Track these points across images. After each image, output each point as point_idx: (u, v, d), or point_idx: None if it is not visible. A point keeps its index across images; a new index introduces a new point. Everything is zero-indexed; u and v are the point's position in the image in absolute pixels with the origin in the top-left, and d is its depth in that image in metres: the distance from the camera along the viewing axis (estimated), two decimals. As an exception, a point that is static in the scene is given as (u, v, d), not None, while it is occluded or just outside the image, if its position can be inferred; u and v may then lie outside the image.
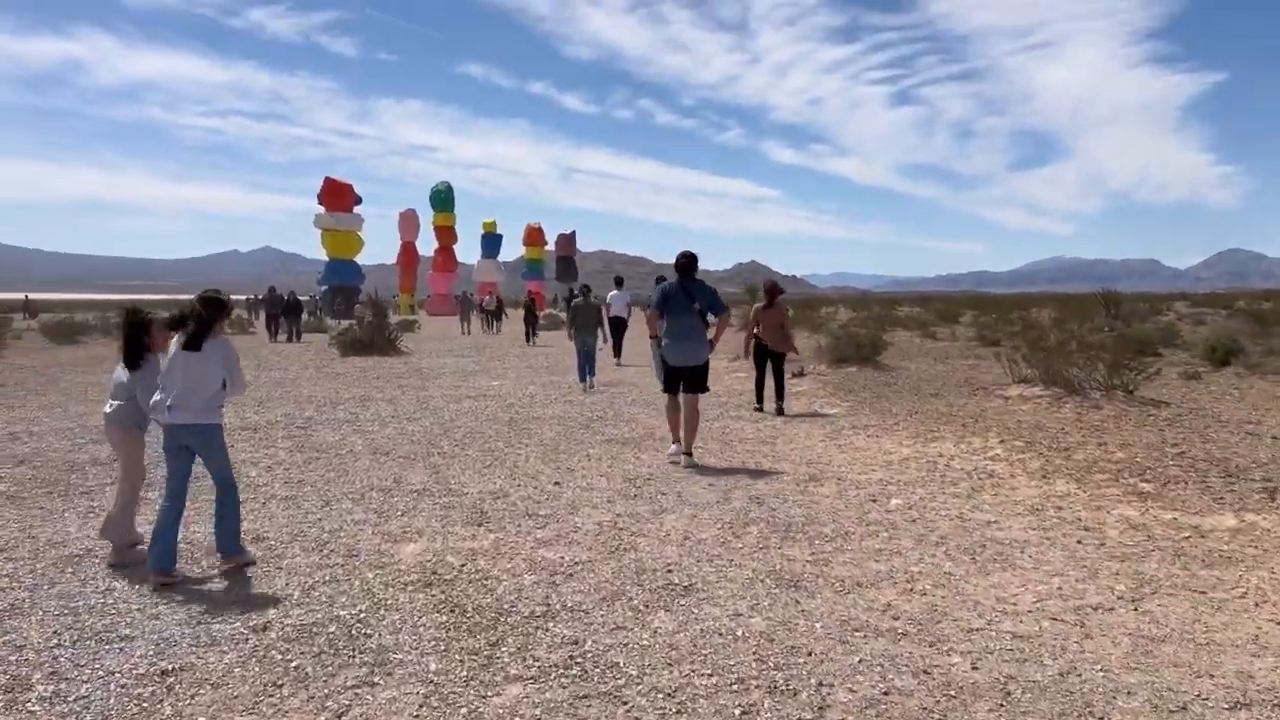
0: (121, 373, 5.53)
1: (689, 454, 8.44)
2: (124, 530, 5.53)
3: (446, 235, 73.27)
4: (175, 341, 5.23)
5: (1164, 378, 12.61)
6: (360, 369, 18.57)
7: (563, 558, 5.48)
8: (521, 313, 33.63)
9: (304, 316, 32.40)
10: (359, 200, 65.96)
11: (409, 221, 72.94)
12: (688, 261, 8.62)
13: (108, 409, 5.59)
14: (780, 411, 11.54)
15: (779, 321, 12.01)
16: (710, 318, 8.73)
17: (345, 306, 58.79)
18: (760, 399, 11.98)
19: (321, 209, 63.83)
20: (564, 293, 58.71)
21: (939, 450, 8.75)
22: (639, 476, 7.80)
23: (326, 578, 5.13)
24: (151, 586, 4.99)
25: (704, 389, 8.62)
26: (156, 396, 5.25)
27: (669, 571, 5.20)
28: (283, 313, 28.61)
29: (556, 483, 7.54)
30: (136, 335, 5.51)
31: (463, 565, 5.35)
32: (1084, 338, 12.95)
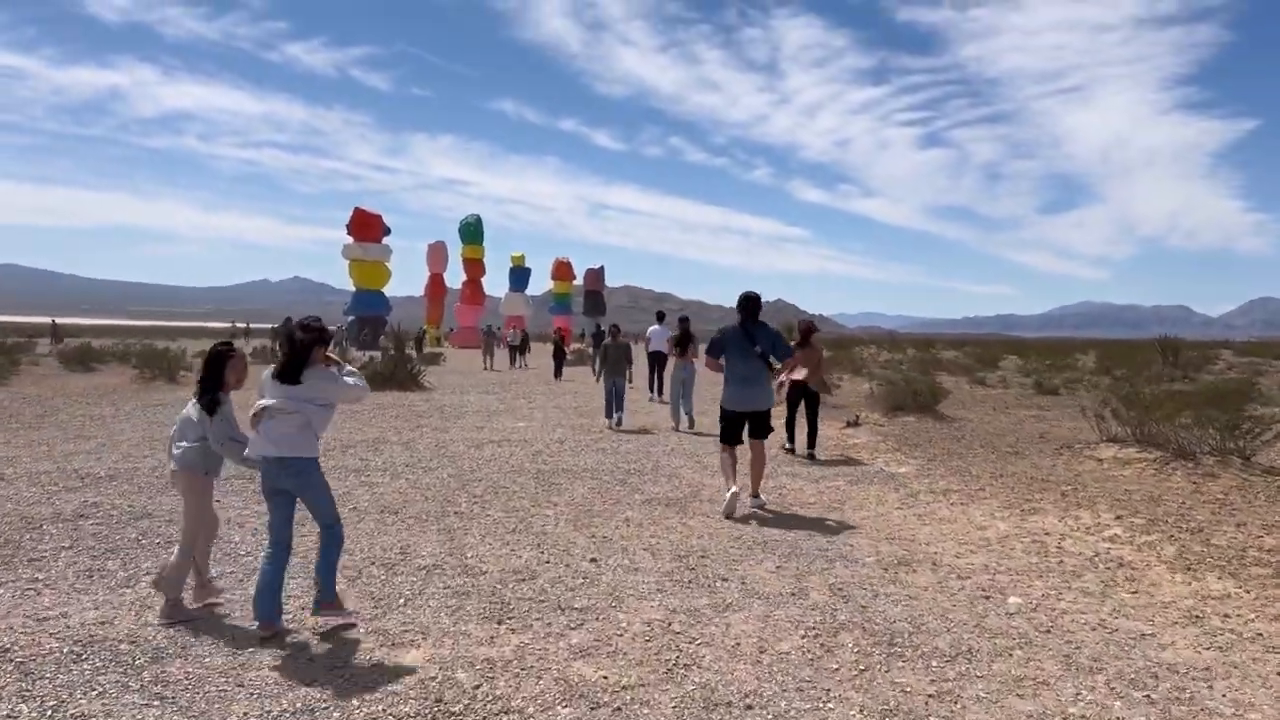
0: (192, 409, 5.03)
1: (756, 496, 8.15)
2: (177, 584, 4.98)
3: (475, 268, 72.65)
4: (269, 371, 4.80)
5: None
6: (378, 405, 17.44)
7: (606, 677, 4.22)
8: (550, 349, 32.65)
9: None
10: (388, 231, 65.49)
11: (438, 253, 72.48)
12: (748, 303, 8.19)
13: (175, 450, 5.04)
14: (812, 457, 11.08)
15: (815, 360, 11.60)
16: (774, 361, 8.21)
17: (371, 338, 58.10)
18: (791, 438, 11.60)
19: (350, 239, 63.40)
20: (590, 328, 57.70)
21: (1042, 526, 7.42)
22: (690, 552, 6.53)
23: (299, 705, 3.90)
24: (258, 638, 4.63)
25: (768, 433, 8.22)
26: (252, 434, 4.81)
27: (749, 707, 3.92)
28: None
29: (593, 559, 6.29)
30: (217, 368, 5.04)
31: (477, 687, 4.10)
32: (1177, 391, 11.56)
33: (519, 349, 35.70)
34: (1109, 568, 6.16)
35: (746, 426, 8.14)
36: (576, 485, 9.14)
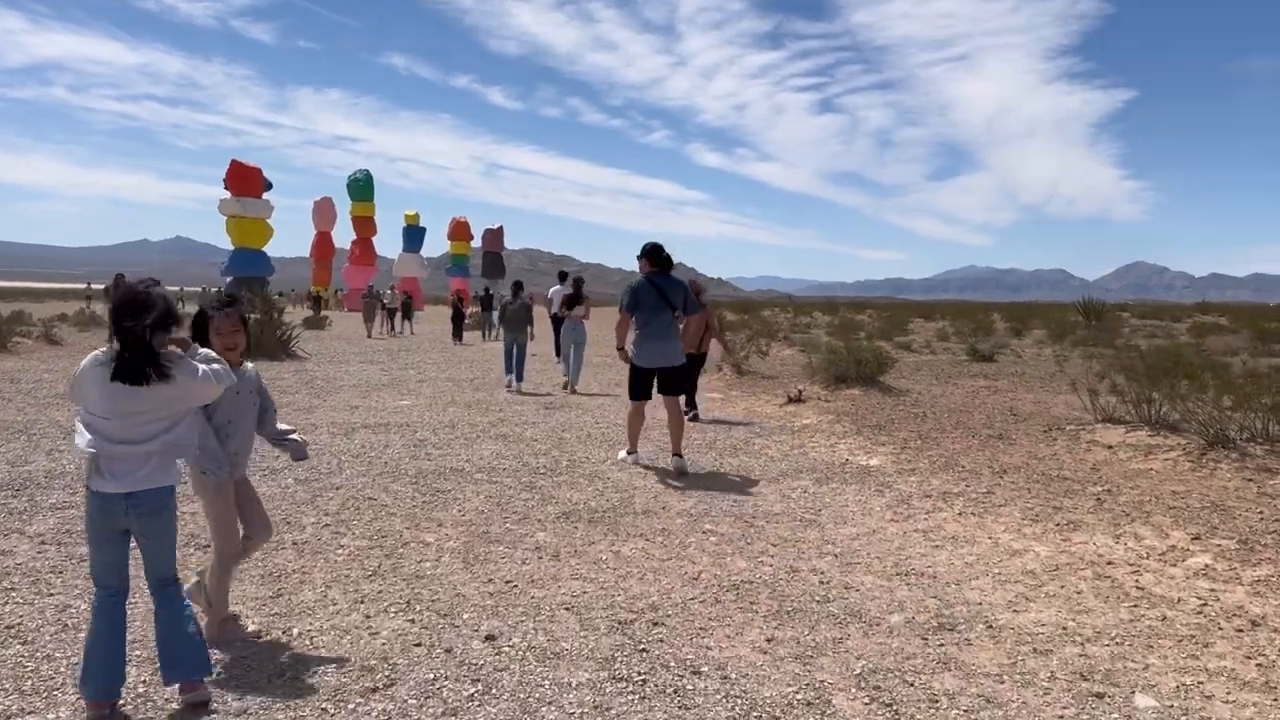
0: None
1: (679, 455, 7.77)
2: (219, 598, 3.97)
3: (365, 226, 68.63)
4: (91, 364, 3.20)
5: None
6: (236, 380, 14.84)
7: None
8: (449, 312, 30.22)
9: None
10: (269, 186, 61.11)
11: (324, 210, 68.22)
12: (658, 253, 7.86)
13: None
14: (694, 418, 10.51)
15: (703, 321, 10.82)
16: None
17: (251, 300, 54.10)
18: (692, 403, 10.70)
19: (228, 194, 58.88)
20: (480, 290, 54.36)
21: (1096, 550, 5.55)
22: (636, 610, 4.43)
23: None
24: None
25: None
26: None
27: None
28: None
29: (490, 635, 4.12)
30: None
31: None
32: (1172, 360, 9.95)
33: (398, 313, 32.55)
34: (1240, 630, 4.28)
35: (656, 382, 7.92)
36: (469, 492, 6.93)
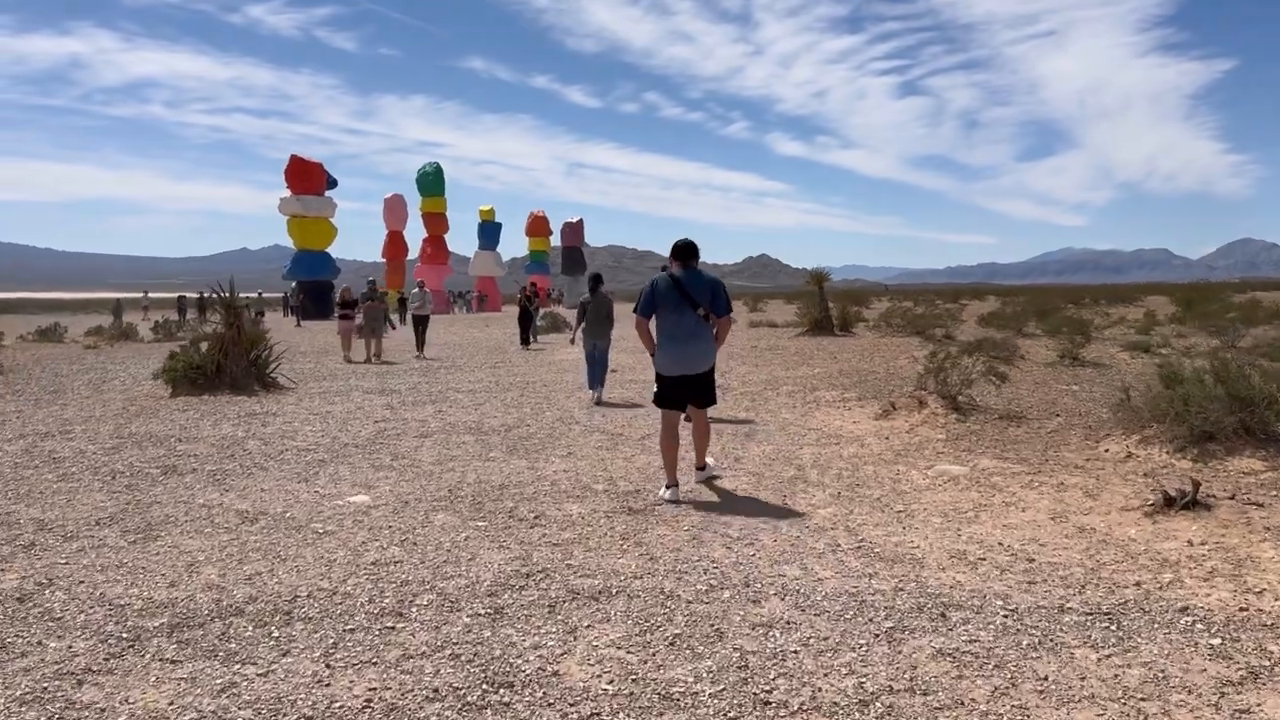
0: None
1: (702, 468, 7.00)
2: None
3: (437, 223, 63.48)
4: None
5: None
6: (143, 438, 9.04)
7: None
8: (517, 311, 24.07)
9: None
10: (333, 183, 56.37)
11: (395, 208, 63.13)
12: (686, 247, 6.79)
13: None
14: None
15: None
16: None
17: (312, 307, 49.16)
18: None
19: (287, 193, 54.24)
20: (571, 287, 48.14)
21: None
22: None
23: None
24: None
25: (712, 401, 6.96)
26: None
27: None
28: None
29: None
30: None
31: None
32: None
33: (420, 322, 21.40)
34: None
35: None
36: None
